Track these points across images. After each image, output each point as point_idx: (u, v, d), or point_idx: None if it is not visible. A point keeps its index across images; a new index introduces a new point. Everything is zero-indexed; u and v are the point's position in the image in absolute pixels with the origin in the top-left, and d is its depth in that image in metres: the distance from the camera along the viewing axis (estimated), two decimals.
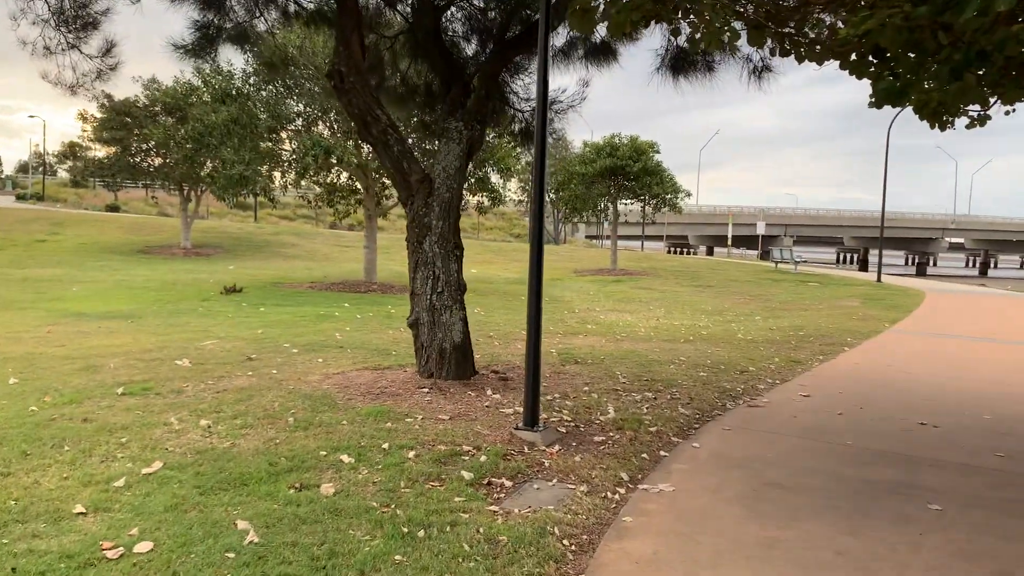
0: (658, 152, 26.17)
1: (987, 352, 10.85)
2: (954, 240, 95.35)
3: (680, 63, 7.96)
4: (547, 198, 39.70)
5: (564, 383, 7.59)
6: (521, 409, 6.05)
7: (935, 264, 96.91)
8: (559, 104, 9.51)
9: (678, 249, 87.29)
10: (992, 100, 7.17)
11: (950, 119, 7.26)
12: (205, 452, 5.04)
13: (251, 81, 17.66)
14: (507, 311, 14.10)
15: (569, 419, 6.13)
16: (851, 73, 6.70)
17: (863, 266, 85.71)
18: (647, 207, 27.10)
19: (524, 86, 9.60)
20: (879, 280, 25.50)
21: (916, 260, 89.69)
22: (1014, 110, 7.41)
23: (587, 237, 67.52)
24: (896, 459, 5.48)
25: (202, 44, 7.97)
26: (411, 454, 5.03)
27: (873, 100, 7.57)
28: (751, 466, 5.17)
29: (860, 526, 4.16)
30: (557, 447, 5.35)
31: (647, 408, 6.62)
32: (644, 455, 5.28)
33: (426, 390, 6.85)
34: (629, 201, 26.88)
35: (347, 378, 7.48)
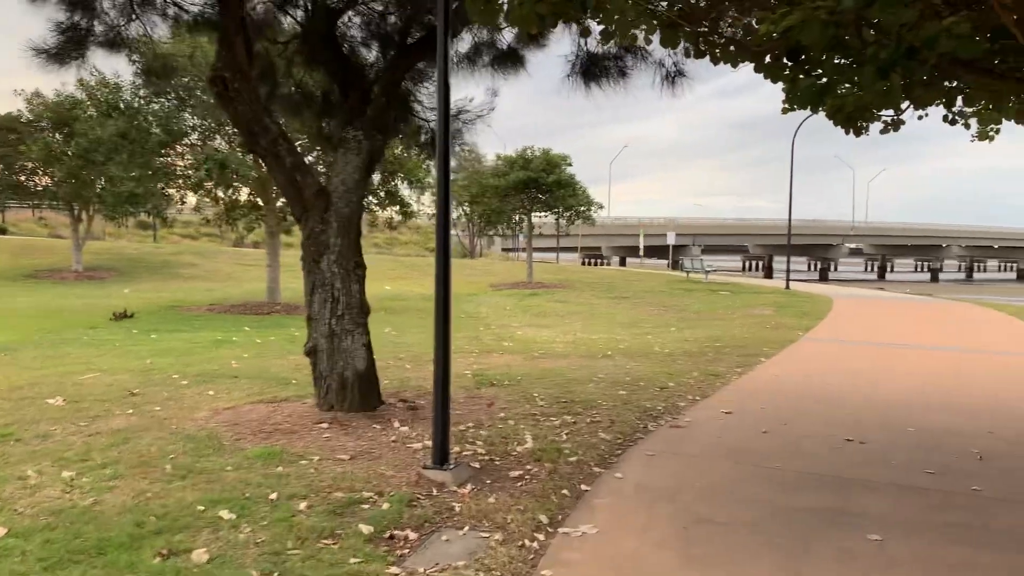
0: (570, 165, 26.05)
1: (900, 359, 10.89)
2: (853, 246, 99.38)
3: (592, 69, 7.62)
4: (462, 211, 39.32)
5: (478, 409, 7.10)
6: (431, 443, 5.52)
7: (836, 269, 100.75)
8: (466, 114, 9.06)
9: (592, 260, 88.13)
10: (905, 105, 7.08)
11: (865, 124, 7.13)
12: (61, 512, 4.33)
13: (141, 93, 16.60)
14: (421, 330, 13.52)
15: (483, 452, 5.64)
16: (766, 76, 6.45)
17: (768, 273, 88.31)
18: (561, 219, 26.94)
19: (429, 94, 9.11)
20: (788, 287, 25.98)
21: (819, 266, 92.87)
22: (927, 114, 7.34)
23: (503, 250, 67.35)
24: (828, 482, 5.19)
25: (66, 49, 7.18)
26: (303, 505, 4.44)
27: (787, 105, 7.38)
28: (679, 498, 4.79)
29: (803, 567, 3.80)
30: (470, 486, 4.85)
31: (567, 434, 6.18)
32: (564, 491, 4.82)
33: (325, 425, 6.25)
34: (543, 214, 26.67)
35: (238, 414, 6.80)
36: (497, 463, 5.40)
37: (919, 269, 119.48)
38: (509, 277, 28.64)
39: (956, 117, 7.60)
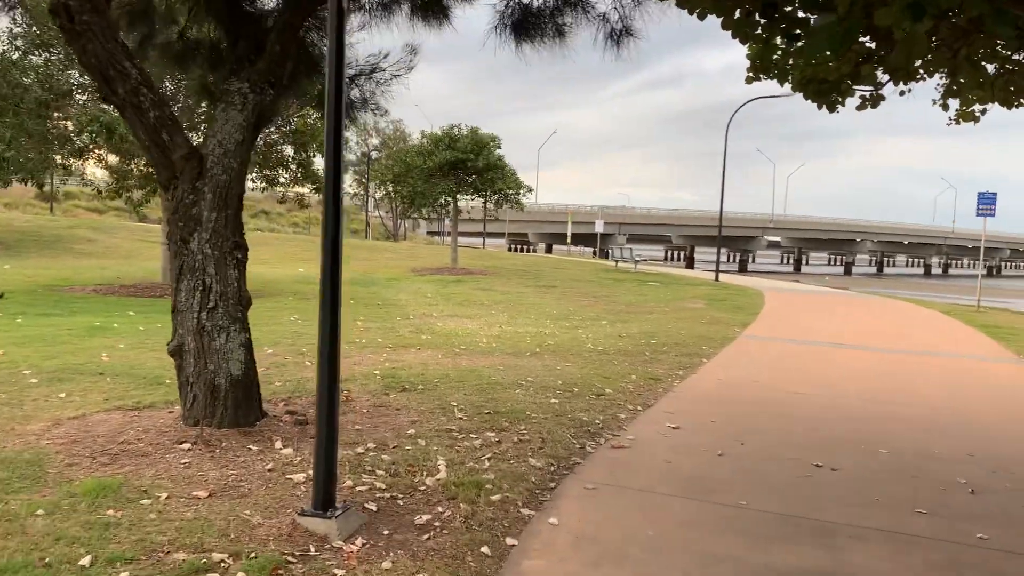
0: (500, 147, 24.91)
1: (847, 362, 10.17)
2: (772, 238, 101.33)
3: (524, 24, 6.49)
4: (384, 192, 37.84)
5: (384, 423, 5.93)
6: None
7: (754, 261, 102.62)
8: (380, 73, 7.82)
9: (519, 247, 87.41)
10: (885, 79, 6.19)
11: (839, 99, 6.22)
12: None
13: (17, 44, 14.69)
14: None
15: (384, 486, 4.49)
16: (734, 34, 5.42)
17: (690, 263, 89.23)
18: (489, 203, 25.78)
19: None
20: (717, 279, 25.50)
21: (738, 258, 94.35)
22: (910, 90, 6.47)
23: (428, 233, 65.89)
24: (806, 528, 4.23)
25: None
26: None
27: (751, 73, 6.41)
28: (628, 558, 3.74)
29: None
30: (360, 541, 3.70)
31: (489, 459, 5.08)
32: (485, 547, 3.72)
33: (186, 446, 4.99)
34: (471, 197, 25.45)
35: (84, 426, 5.47)
36: (400, 503, 4.26)
37: (832, 263, 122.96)
38: (433, 262, 27.37)
39: (942, 96, 6.78)
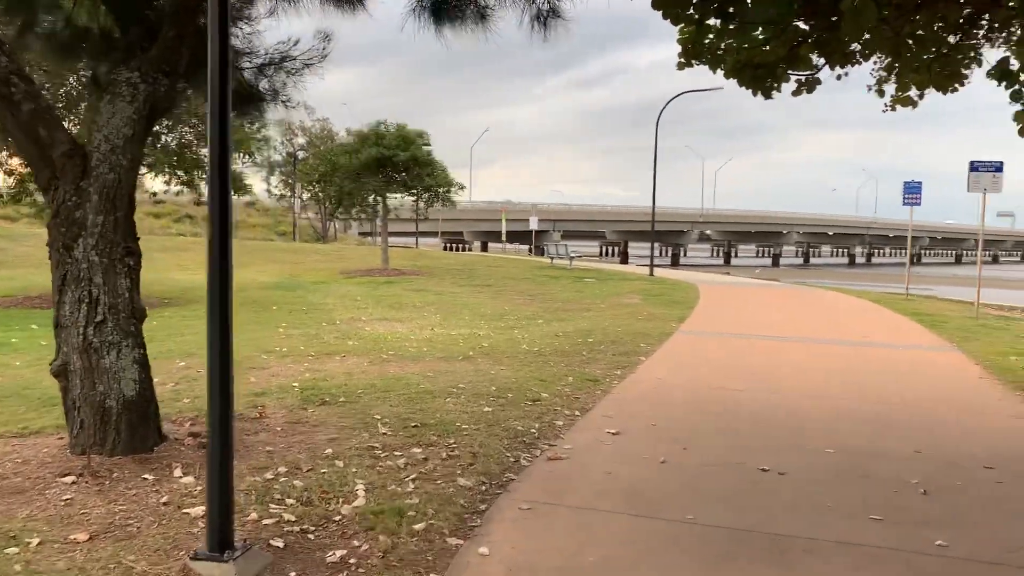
0: (428, 144, 24.35)
1: (785, 355, 10.02)
2: (702, 232, 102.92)
3: (443, 6, 6.05)
4: (310, 193, 36.86)
5: (300, 443, 5.43)
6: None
7: (686, 255, 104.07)
8: (291, 62, 7.28)
9: (454, 245, 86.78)
10: (821, 62, 5.95)
11: (775, 84, 5.95)
12: None
13: None
14: (254, 326, 11.58)
15: (294, 518, 4.00)
16: (665, 15, 5.11)
17: (624, 258, 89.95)
18: (420, 201, 25.20)
19: (246, 36, 7.29)
20: (652, 274, 25.47)
21: (670, 252, 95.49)
22: (846, 74, 6.24)
23: (360, 234, 64.64)
24: (760, 543, 3.91)
25: None
26: None
27: (683, 59, 6.09)
28: None
29: None
30: None
31: (414, 480, 4.64)
32: None
33: (70, 480, 4.41)
34: (401, 195, 24.81)
35: None
36: (312, 537, 3.78)
37: (761, 254, 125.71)
38: (363, 263, 26.64)
39: (878, 82, 6.59)
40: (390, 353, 9.47)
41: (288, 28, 7.44)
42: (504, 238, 52.87)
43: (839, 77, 5.99)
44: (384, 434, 5.64)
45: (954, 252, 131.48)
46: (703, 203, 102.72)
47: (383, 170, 22.32)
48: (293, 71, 7.31)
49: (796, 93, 5.84)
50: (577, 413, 6.51)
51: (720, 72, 6.05)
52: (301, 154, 46.66)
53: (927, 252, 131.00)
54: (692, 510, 4.33)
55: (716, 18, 5.03)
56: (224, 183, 3.48)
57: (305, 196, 42.36)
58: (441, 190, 23.67)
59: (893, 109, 6.69)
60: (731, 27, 5.08)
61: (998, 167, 13.98)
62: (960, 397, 7.53)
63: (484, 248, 77.61)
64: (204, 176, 16.21)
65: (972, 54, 6.14)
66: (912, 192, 18.72)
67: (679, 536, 3.97)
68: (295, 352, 9.45)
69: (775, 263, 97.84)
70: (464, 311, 14.33)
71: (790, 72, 5.83)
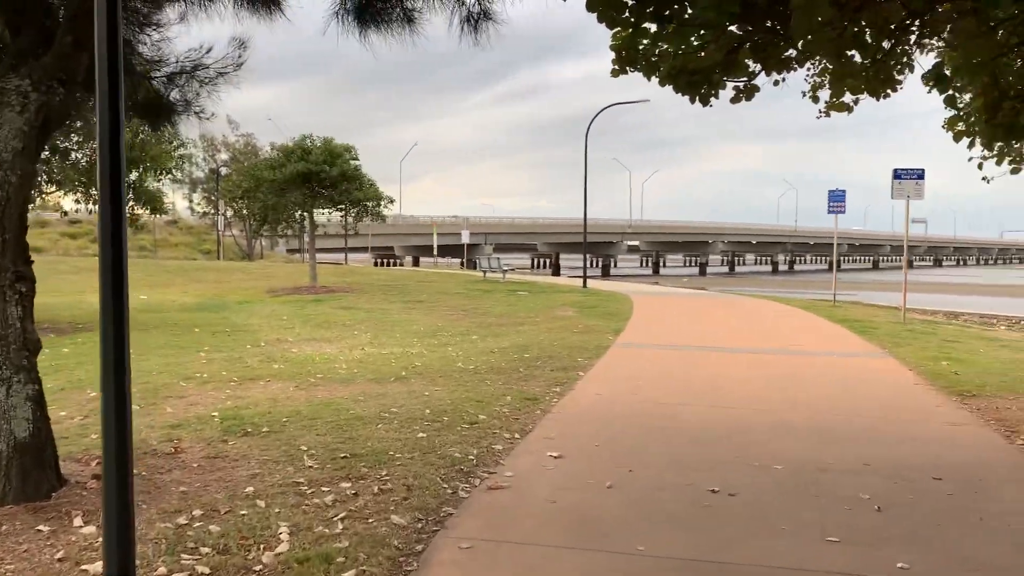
0: (356, 158, 23.83)
1: (721, 365, 9.93)
2: (631, 243, 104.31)
3: (368, 8, 5.73)
4: (234, 209, 35.77)
5: (218, 480, 4.98)
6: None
7: (616, 265, 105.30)
8: (203, 71, 6.83)
9: (385, 261, 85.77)
10: (757, 68, 5.82)
11: (713, 91, 5.79)
12: None
13: None
14: (173, 351, 10.94)
15: (208, 571, 3.58)
16: (600, 18, 4.89)
17: (556, 270, 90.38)
18: (349, 216, 24.60)
19: (155, 43, 6.82)
20: (585, 285, 25.42)
21: (601, 263, 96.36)
22: (783, 79, 6.14)
23: (288, 251, 63.24)
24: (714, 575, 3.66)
25: None
26: None
27: (617, 67, 5.90)
28: None
29: None
30: None
31: (343, 520, 4.26)
32: None
33: None
34: (328, 210, 24.19)
35: None
36: None
37: (688, 264, 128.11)
38: (290, 281, 25.90)
39: (812, 88, 6.52)
40: (318, 376, 9.02)
41: (200, 34, 6.99)
42: (436, 252, 52.36)
43: (776, 83, 5.88)
44: (311, 467, 5.23)
45: (871, 258, 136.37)
46: (631, 214, 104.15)
47: (309, 185, 21.71)
48: (206, 80, 6.86)
49: (735, 100, 5.70)
50: (517, 436, 6.20)
51: (655, 80, 5.87)
52: (224, 170, 45.42)
53: (846, 258, 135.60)
54: (643, 539, 4.06)
55: (652, 21, 4.83)
56: (116, 199, 3.07)
57: (229, 213, 41.16)
58: (370, 204, 23.15)
59: (827, 115, 6.63)
60: (667, 31, 4.89)
61: (920, 175, 14.32)
62: (898, 405, 7.50)
63: (416, 263, 76.95)
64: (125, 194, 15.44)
65: (905, 59, 6.12)
66: (836, 200, 19.11)
67: (631, 571, 3.70)
68: (216, 378, 8.91)
69: (702, 272, 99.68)
70: (396, 328, 13.91)
71: (726, 79, 5.69)
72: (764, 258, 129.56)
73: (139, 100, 6.72)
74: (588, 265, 28.90)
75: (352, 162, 22.17)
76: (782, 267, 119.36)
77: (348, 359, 10.38)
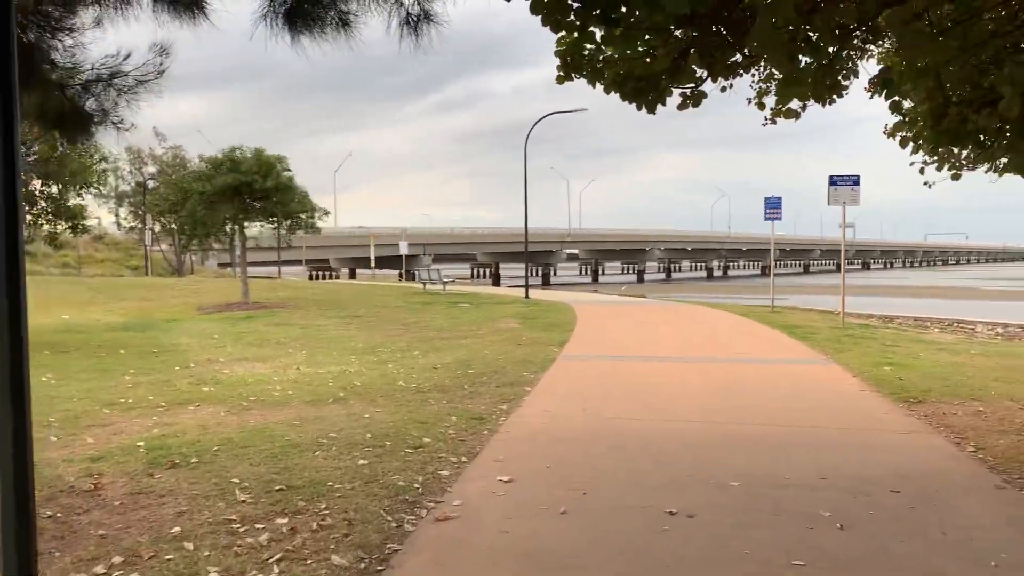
0: (288, 169, 23.19)
1: (668, 375, 9.82)
2: (570, 251, 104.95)
3: (299, 11, 5.40)
4: (161, 224, 34.64)
5: (142, 520, 4.57)
6: None
7: (556, 274, 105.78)
8: (121, 78, 6.40)
9: (321, 273, 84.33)
10: (703, 74, 5.68)
11: (659, 98, 5.62)
12: None
13: None
14: (96, 374, 10.32)
15: None
16: (545, 21, 4.67)
17: (496, 280, 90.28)
18: (282, 229, 23.92)
19: (68, 49, 6.37)
20: (527, 296, 25.25)
21: (541, 272, 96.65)
22: (731, 86, 6.02)
23: (219, 266, 61.66)
24: None
25: None
26: None
27: (562, 73, 5.70)
28: None
29: None
30: None
31: (279, 562, 3.91)
32: None
33: None
34: (260, 223, 23.47)
35: None
36: None
37: (626, 271, 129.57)
38: (222, 297, 25.06)
39: (758, 95, 6.42)
40: (251, 399, 8.57)
41: (118, 40, 6.54)
42: (373, 264, 51.61)
43: (724, 89, 5.76)
44: (243, 502, 4.85)
45: (802, 263, 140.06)
46: (570, 223, 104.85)
47: (240, 197, 21.01)
48: (125, 89, 6.45)
49: (682, 107, 5.54)
50: (464, 459, 5.91)
51: (600, 87, 5.68)
52: (152, 183, 43.97)
53: (778, 263, 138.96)
54: (602, 570, 3.82)
55: (599, 24, 4.63)
56: (11, 209, 2.69)
57: (157, 228, 39.83)
58: (304, 216, 22.53)
59: (774, 122, 6.55)
60: (615, 34, 4.69)
61: (855, 181, 14.53)
62: (847, 413, 7.46)
63: (352, 275, 75.85)
64: (35, 211, 14.63)
65: (850, 65, 6.06)
66: (773, 207, 19.34)
67: None
68: (143, 403, 8.40)
69: (640, 279, 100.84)
70: (332, 346, 13.46)
71: (673, 86, 5.53)
72: (699, 264, 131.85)
73: (52, 110, 6.25)
74: (528, 274, 28.73)
75: (285, 173, 21.57)
76: (716, 273, 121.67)
77: (282, 380, 9.93)
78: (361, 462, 5.77)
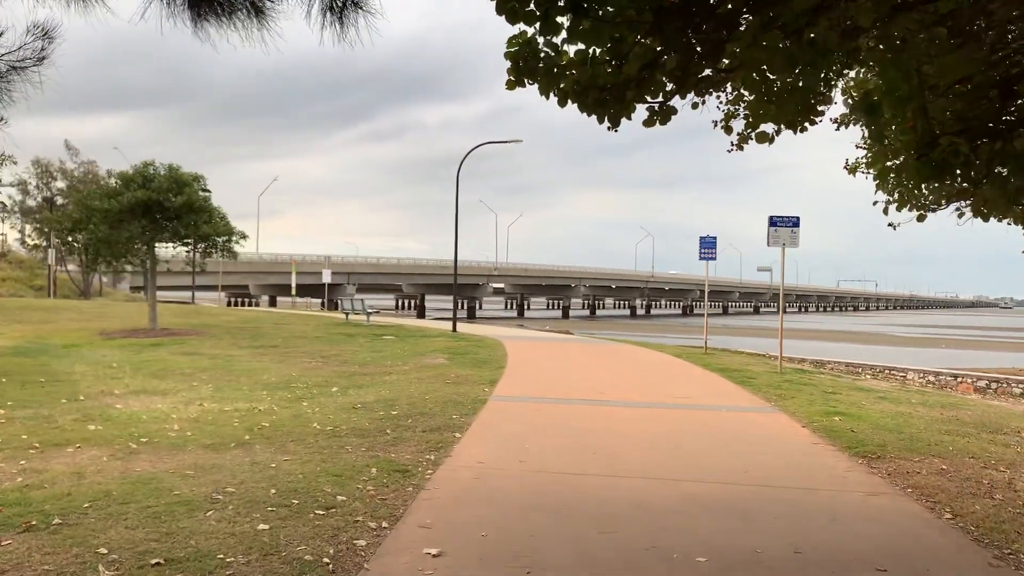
0: (206, 189, 21.92)
1: (609, 420, 9.11)
2: (496, 285, 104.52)
3: None
4: (66, 242, 32.48)
5: None
6: None
7: (481, 307, 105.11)
8: None
9: (239, 300, 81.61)
10: (669, 87, 5.05)
11: (624, 111, 4.97)
12: None
13: None
14: None
15: None
16: (500, 10, 3.97)
17: (420, 312, 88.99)
18: (195, 252, 22.46)
19: None
20: (455, 330, 24.37)
21: (467, 305, 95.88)
22: (703, 101, 5.41)
23: (132, 289, 58.75)
24: None
25: None
26: None
27: (513, 77, 5.00)
28: None
29: None
30: None
31: None
32: None
33: None
34: (172, 245, 21.98)
35: None
36: None
37: (551, 307, 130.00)
38: (128, 322, 23.41)
39: (725, 118, 5.84)
40: (142, 441, 7.49)
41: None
42: (294, 292, 49.86)
43: (695, 106, 5.14)
44: None
45: (722, 304, 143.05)
46: (496, 256, 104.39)
47: (150, 216, 19.59)
48: None
49: (648, 123, 4.89)
50: (385, 524, 5.03)
51: (554, 98, 4.99)
52: (60, 200, 41.55)
53: (698, 303, 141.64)
54: None
55: (565, 13, 3.95)
56: None
57: (64, 248, 37.53)
58: (220, 240, 21.20)
59: (740, 148, 5.99)
60: (584, 26, 4.00)
61: (795, 222, 14.28)
62: (807, 470, 6.86)
63: (273, 303, 73.60)
64: None
65: (823, 89, 5.54)
66: (708, 247, 19.06)
67: None
68: (13, 443, 7.25)
69: (565, 315, 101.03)
70: (243, 379, 12.33)
71: (638, 101, 4.88)
72: (623, 302, 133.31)
73: None
74: (456, 307, 27.90)
75: (201, 193, 20.26)
76: (640, 311, 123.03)
77: (182, 417, 8.84)
78: (261, 527, 4.84)
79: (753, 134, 5.69)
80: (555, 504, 5.60)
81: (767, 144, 5.28)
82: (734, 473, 6.64)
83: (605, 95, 4.76)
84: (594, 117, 4.90)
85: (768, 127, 5.35)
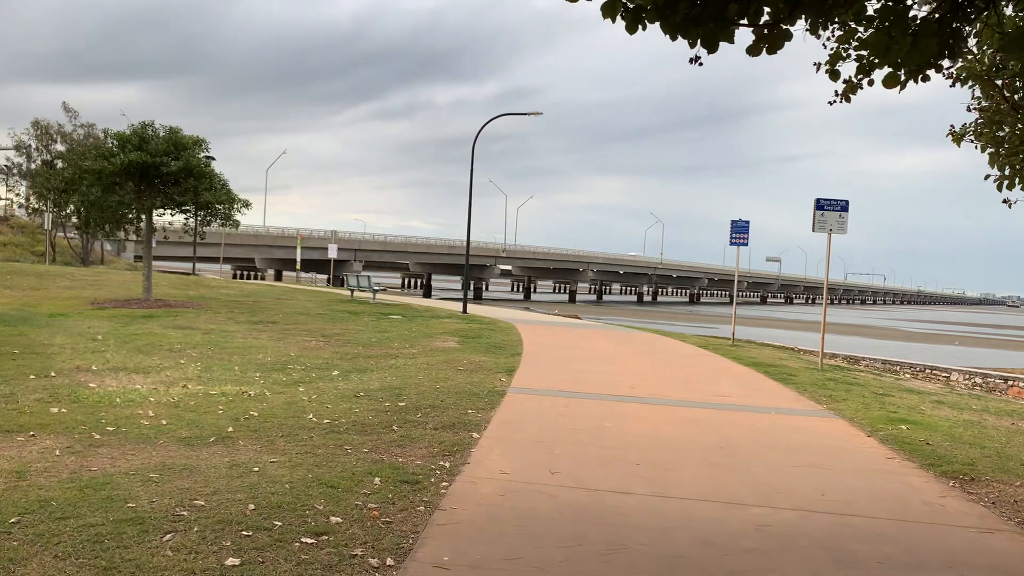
0: (208, 152, 20.79)
1: (648, 423, 7.99)
2: (504, 267, 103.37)
3: None
4: (61, 205, 31.47)
5: None
6: None
7: (488, 289, 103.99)
8: None
9: (246, 273, 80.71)
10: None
11: (723, 32, 3.82)
12: None
13: None
14: None
15: None
16: None
17: (427, 291, 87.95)
18: (196, 220, 21.31)
19: None
20: (465, 311, 23.26)
21: (473, 285, 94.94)
22: (817, 36, 4.19)
23: (135, 258, 57.70)
24: None
25: None
26: None
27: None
28: None
29: None
30: None
31: None
32: None
33: None
34: (171, 211, 20.83)
35: None
36: None
37: (558, 290, 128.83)
38: (123, 292, 22.35)
39: (831, 58, 4.67)
40: (108, 430, 6.41)
41: None
42: (299, 266, 48.78)
43: (813, 32, 3.97)
44: None
45: (728, 293, 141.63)
46: (505, 238, 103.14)
47: (146, 179, 18.44)
48: None
49: (753, 50, 3.72)
50: (389, 560, 3.93)
51: (640, 30, 3.81)
52: (61, 164, 40.39)
53: (706, 292, 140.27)
54: None
55: None
56: None
57: (54, 209, 36.38)
58: (221, 207, 20.03)
59: (847, 99, 4.82)
60: None
61: (844, 206, 13.06)
62: (894, 494, 5.73)
63: (278, 277, 72.57)
64: None
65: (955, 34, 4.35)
66: (740, 232, 17.79)
67: None
68: None
69: (572, 299, 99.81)
70: (236, 357, 11.23)
71: (741, 20, 3.71)
72: (629, 288, 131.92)
73: None
74: (460, 287, 26.78)
75: (201, 155, 19.07)
76: (647, 298, 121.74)
77: (160, 401, 7.76)
78: (231, 561, 3.74)
79: (864, 81, 4.51)
80: (601, 536, 4.48)
81: (896, 89, 4.09)
82: (810, 497, 5.51)
83: (699, 9, 3.60)
84: (676, 44, 3.74)
85: (877, 73, 4.18)
